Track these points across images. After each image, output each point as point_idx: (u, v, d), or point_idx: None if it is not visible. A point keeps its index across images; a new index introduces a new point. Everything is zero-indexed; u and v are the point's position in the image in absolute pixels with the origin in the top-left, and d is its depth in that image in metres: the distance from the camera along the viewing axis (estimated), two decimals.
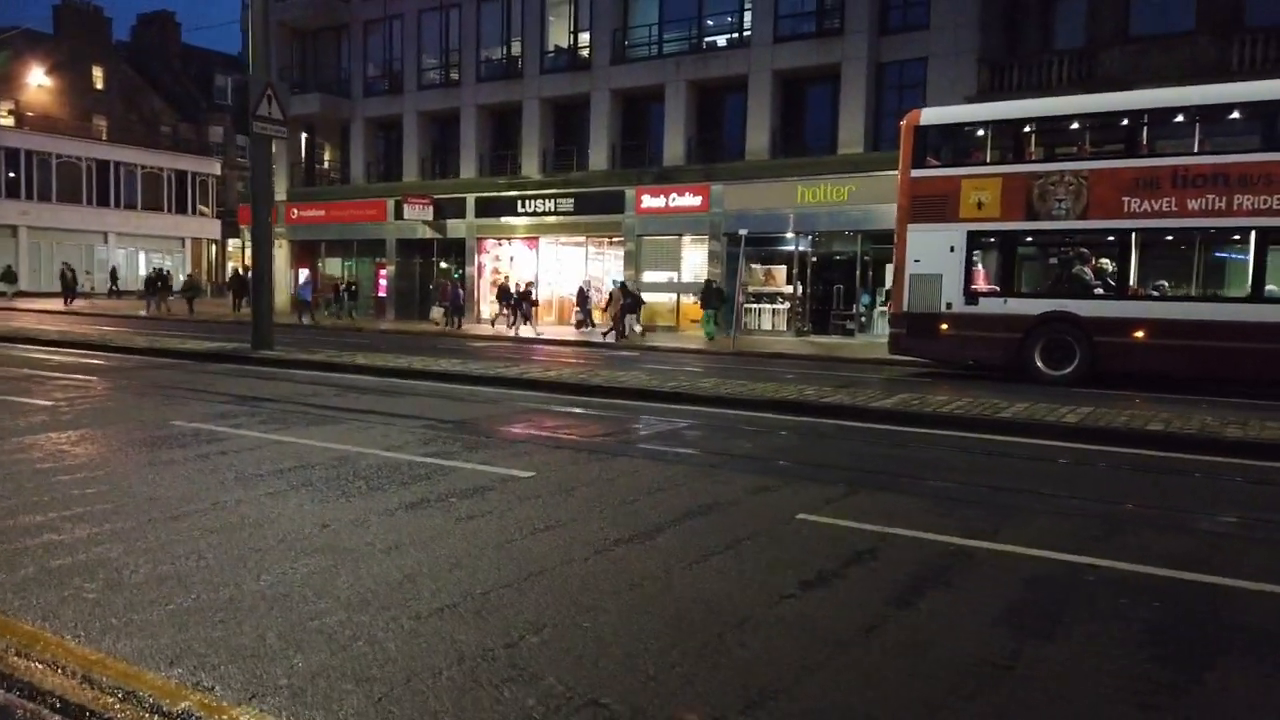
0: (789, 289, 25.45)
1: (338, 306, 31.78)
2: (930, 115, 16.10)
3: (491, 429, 8.98)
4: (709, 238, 26.36)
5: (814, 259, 25.38)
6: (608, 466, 7.15)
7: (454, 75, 31.99)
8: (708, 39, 27.51)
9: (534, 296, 26.88)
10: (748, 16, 26.52)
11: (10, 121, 47.66)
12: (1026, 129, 15.40)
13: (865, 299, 24.38)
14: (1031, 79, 22.06)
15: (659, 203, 27.02)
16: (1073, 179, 14.36)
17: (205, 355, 15.06)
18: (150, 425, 8.47)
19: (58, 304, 35.77)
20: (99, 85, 52.19)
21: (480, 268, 31.23)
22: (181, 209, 53.12)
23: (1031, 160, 15.30)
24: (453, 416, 9.65)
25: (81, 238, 48.31)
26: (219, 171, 55.38)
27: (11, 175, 45.63)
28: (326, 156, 36.85)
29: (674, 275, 27.37)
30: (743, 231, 21.57)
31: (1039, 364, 14.61)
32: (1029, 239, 15.40)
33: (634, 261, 27.81)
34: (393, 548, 4.80)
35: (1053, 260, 15.93)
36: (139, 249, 50.82)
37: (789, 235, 25.24)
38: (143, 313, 31.45)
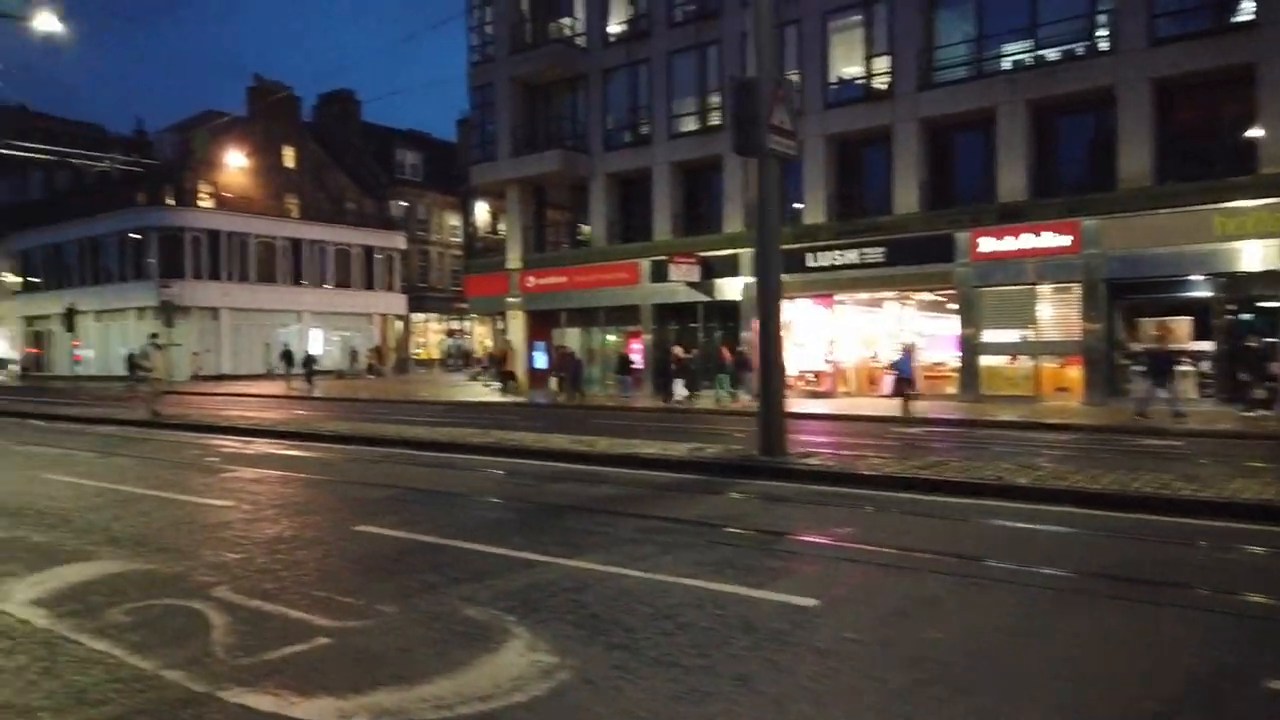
0: (1204, 346, 20.12)
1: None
2: None
3: None
4: (1080, 284, 21.42)
5: (1230, 307, 20.06)
6: None
7: (712, 120, 28.40)
8: (1043, 51, 22.99)
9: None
10: (1101, 19, 21.96)
11: (211, 204, 46.94)
12: None
13: None
14: None
15: (1005, 246, 22.33)
16: None
17: (705, 466, 10.61)
18: None
19: (279, 387, 33.56)
20: (290, 165, 51.42)
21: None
22: (369, 285, 51.61)
23: None
24: None
25: (278, 318, 46.88)
26: (404, 245, 53.80)
27: (212, 258, 44.64)
28: (556, 219, 33.76)
29: (1027, 334, 22.47)
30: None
31: None
32: None
33: (971, 318, 23.09)
34: None
35: None
36: (330, 327, 49.24)
37: (1196, 279, 20.15)
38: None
